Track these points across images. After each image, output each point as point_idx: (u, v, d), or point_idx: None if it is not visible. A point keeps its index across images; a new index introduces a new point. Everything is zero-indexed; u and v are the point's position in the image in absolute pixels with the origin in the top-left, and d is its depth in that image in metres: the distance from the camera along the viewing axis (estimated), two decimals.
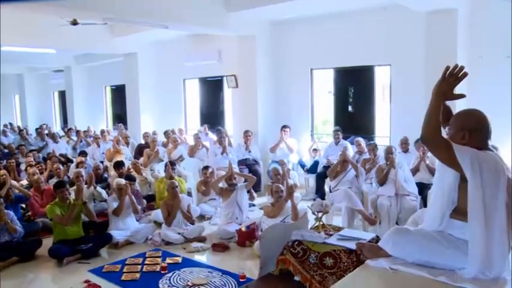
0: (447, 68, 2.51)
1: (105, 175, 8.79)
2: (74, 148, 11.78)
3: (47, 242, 6.11)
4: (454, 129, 2.63)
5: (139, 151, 10.69)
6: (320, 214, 3.49)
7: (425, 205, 6.30)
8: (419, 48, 7.40)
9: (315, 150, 9.20)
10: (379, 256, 2.73)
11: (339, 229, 3.53)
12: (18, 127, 17.84)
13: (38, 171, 8.12)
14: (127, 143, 11.34)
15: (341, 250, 3.07)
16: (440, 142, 2.51)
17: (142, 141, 11.39)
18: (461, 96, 2.56)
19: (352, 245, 3.08)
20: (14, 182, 7.55)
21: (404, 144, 7.67)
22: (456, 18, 6.77)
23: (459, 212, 2.58)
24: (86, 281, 5.00)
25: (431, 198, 2.83)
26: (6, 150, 11.70)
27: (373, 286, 2.67)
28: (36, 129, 14.73)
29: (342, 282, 2.62)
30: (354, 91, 9.46)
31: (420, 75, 7.29)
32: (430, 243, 2.63)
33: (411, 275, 2.55)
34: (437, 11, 6.82)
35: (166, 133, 11.15)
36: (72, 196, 6.34)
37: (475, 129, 2.57)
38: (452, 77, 2.48)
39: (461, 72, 2.48)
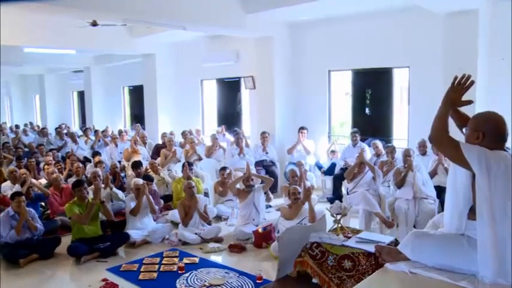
0: (455, 77, 2.65)
1: (123, 174, 8.85)
2: (92, 148, 11.89)
3: (66, 240, 6.19)
4: (469, 130, 2.67)
5: (156, 151, 10.76)
6: (339, 216, 3.47)
7: (443, 208, 6.22)
8: (438, 50, 7.33)
9: (332, 152, 9.16)
10: (399, 259, 2.70)
11: (357, 232, 3.51)
12: (38, 126, 18.10)
13: (57, 170, 8.21)
14: (144, 143, 11.41)
15: (360, 253, 3.04)
16: (447, 141, 2.57)
17: (160, 142, 11.45)
18: (469, 102, 2.68)
19: (370, 248, 3.05)
20: (34, 181, 7.65)
21: (422, 147, 7.59)
22: (477, 19, 6.66)
23: (475, 212, 2.56)
24: (104, 280, 5.06)
25: (446, 200, 2.82)
26: (26, 149, 11.86)
27: None
28: (56, 128, 14.94)
29: (360, 285, 2.60)
30: (372, 93, 9.41)
31: (439, 78, 7.20)
32: (449, 245, 2.60)
33: (431, 280, 2.52)
34: (457, 12, 6.73)
35: (183, 133, 11.20)
36: (90, 195, 6.41)
37: (489, 130, 2.58)
38: (459, 86, 2.62)
39: (468, 82, 2.61)
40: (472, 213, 2.59)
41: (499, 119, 2.63)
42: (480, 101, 6.48)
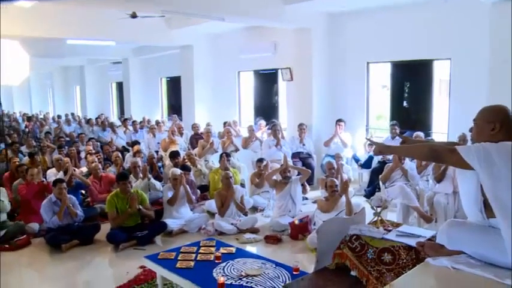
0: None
1: (160, 164, 8.97)
2: (129, 146, 12.02)
3: (105, 227, 6.36)
4: (483, 121, 2.63)
5: (191, 142, 10.87)
6: (379, 209, 3.42)
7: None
8: (482, 41, 7.06)
9: (370, 144, 9.03)
10: (441, 254, 2.64)
11: (397, 225, 3.45)
12: (78, 116, 18.59)
13: (96, 159, 8.41)
14: (181, 134, 11.53)
15: (400, 246, 2.98)
16: (442, 154, 2.60)
17: (192, 132, 11.50)
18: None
19: (411, 242, 2.99)
20: (76, 171, 7.81)
21: (463, 142, 7.36)
22: None
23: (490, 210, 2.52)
24: (142, 267, 5.16)
25: (461, 200, 2.82)
26: (67, 139, 12.20)
27: (433, 285, 2.58)
28: (96, 118, 15.34)
29: (401, 280, 2.55)
30: (410, 86, 9.23)
31: (483, 70, 6.98)
32: (484, 235, 2.55)
33: (474, 276, 2.43)
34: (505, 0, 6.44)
35: (226, 124, 11.23)
36: (133, 184, 6.54)
37: (505, 121, 2.57)
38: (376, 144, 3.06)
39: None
40: (489, 210, 2.54)
41: (509, 111, 2.64)
42: None
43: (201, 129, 11.19)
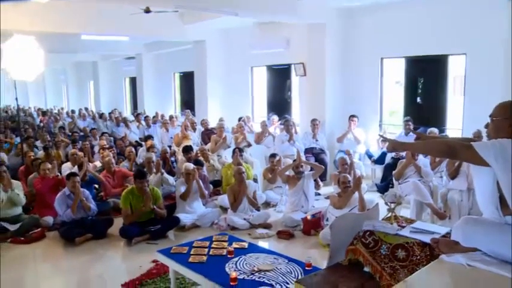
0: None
1: (172, 159, 9.01)
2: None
3: (118, 222, 6.39)
4: (500, 118, 2.59)
5: (202, 138, 10.90)
6: (393, 205, 3.40)
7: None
8: (499, 35, 6.95)
9: (383, 140, 8.97)
10: (456, 251, 2.61)
11: (411, 221, 3.43)
12: (92, 111, 18.73)
13: (111, 154, 8.47)
14: (194, 129, 11.56)
15: (414, 243, 2.96)
16: (459, 149, 2.56)
17: (209, 127, 11.53)
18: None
19: (425, 238, 2.97)
20: (90, 167, 7.87)
21: (477, 138, 7.28)
22: None
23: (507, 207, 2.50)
24: (154, 261, 5.19)
25: (477, 198, 2.79)
26: (81, 133, 12.31)
27: (447, 282, 2.56)
28: (109, 113, 15.45)
29: (415, 276, 2.53)
30: (424, 82, 9.14)
31: (499, 65, 6.88)
32: (501, 233, 2.51)
33: (490, 273, 2.41)
34: None
35: (241, 120, 11.24)
36: (150, 180, 6.58)
37: None
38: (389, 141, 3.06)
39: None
40: (505, 208, 2.50)
41: None
42: None
43: (212, 125, 11.22)
